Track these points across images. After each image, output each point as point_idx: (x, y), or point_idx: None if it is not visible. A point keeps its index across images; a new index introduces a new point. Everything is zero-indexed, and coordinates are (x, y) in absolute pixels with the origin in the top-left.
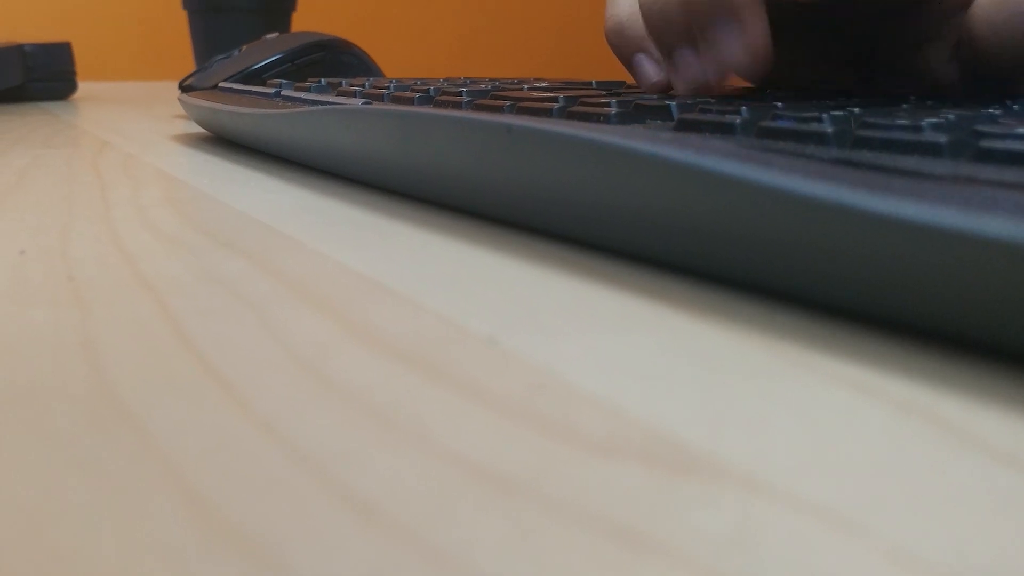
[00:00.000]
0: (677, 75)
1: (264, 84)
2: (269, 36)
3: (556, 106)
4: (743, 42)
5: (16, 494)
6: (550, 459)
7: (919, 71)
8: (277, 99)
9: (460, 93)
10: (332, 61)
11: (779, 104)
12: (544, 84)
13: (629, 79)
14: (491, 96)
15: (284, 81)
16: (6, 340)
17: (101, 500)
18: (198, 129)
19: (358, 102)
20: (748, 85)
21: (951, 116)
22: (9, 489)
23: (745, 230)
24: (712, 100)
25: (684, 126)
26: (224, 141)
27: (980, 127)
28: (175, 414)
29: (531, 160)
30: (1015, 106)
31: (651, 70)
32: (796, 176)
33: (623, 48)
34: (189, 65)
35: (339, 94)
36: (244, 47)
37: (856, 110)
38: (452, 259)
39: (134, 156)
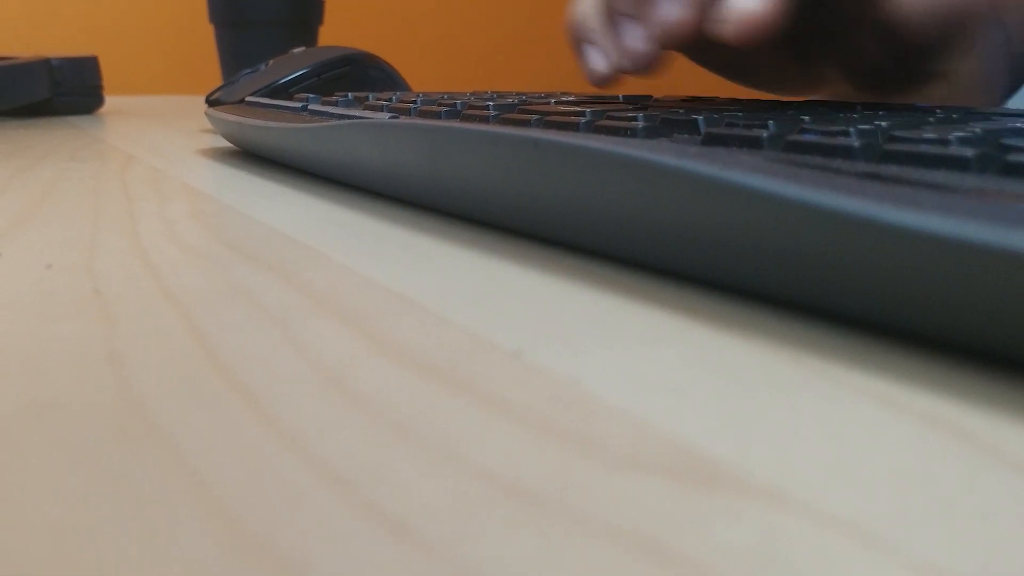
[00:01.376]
0: (622, 46)
1: (291, 98)
2: (296, 50)
3: (583, 120)
4: (678, 11)
5: (43, 507)
6: (576, 472)
7: (852, 58)
8: (304, 113)
9: (487, 107)
10: (359, 75)
11: (806, 118)
12: (571, 98)
13: (656, 94)
14: (518, 110)
15: (311, 95)
16: (33, 354)
17: (127, 514)
18: (224, 143)
19: (385, 116)
20: (772, 98)
21: (978, 130)
22: (36, 503)
23: (772, 244)
24: (740, 114)
25: (711, 140)
26: (251, 155)
27: (1007, 141)
28: (201, 428)
29: (558, 174)
30: None
31: (596, 58)
32: (823, 190)
33: (576, 40)
34: (216, 79)
35: (366, 108)
36: (271, 61)
37: (883, 124)
38: (478, 273)
39: (161, 170)
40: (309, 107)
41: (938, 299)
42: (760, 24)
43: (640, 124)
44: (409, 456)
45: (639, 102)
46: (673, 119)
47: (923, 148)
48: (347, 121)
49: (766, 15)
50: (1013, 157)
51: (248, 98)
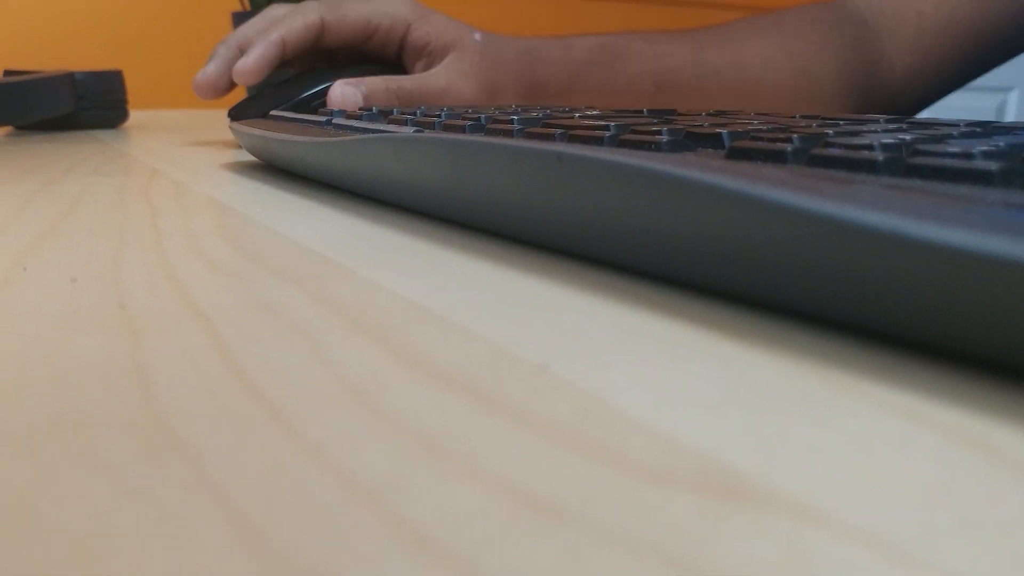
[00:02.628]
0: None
1: (315, 112)
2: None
3: (607, 134)
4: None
5: (67, 522)
6: (601, 486)
7: None
8: (328, 127)
9: (511, 121)
10: None
11: (830, 132)
12: (595, 112)
13: (677, 105)
14: (542, 124)
15: (336, 110)
16: (58, 368)
17: (152, 527)
18: (249, 157)
19: (409, 130)
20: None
21: (1002, 144)
22: (61, 517)
23: (796, 258)
24: (764, 128)
25: (735, 154)
26: (275, 169)
27: None
28: (226, 442)
29: (582, 188)
30: None
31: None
32: (848, 204)
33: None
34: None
35: (390, 122)
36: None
37: (907, 138)
38: (503, 286)
39: (185, 184)
40: (334, 121)
41: (963, 313)
42: (252, 74)
43: (664, 138)
44: (434, 469)
45: (664, 116)
46: (697, 133)
47: (947, 162)
48: (372, 135)
49: (254, 71)
50: None
51: (273, 112)
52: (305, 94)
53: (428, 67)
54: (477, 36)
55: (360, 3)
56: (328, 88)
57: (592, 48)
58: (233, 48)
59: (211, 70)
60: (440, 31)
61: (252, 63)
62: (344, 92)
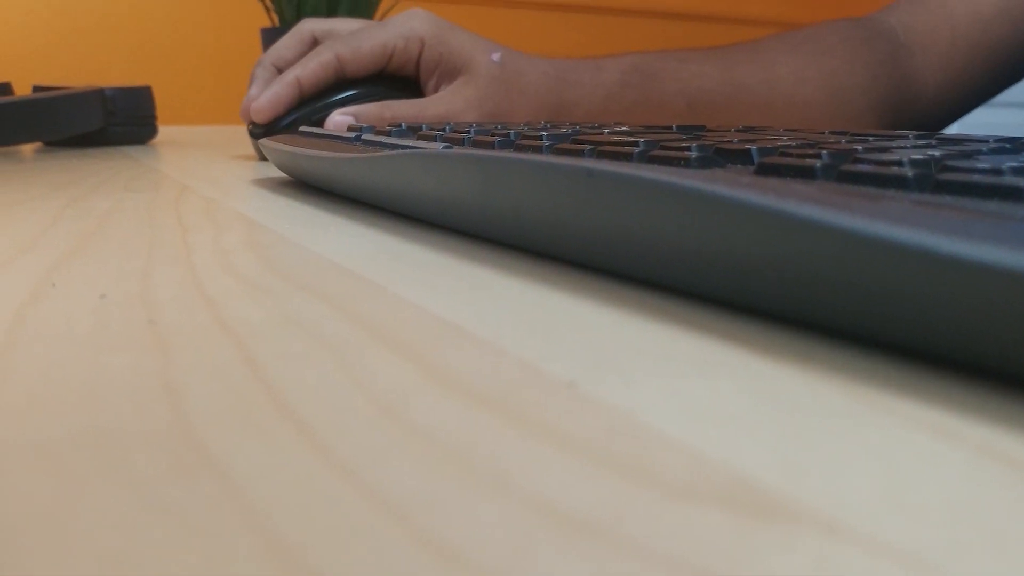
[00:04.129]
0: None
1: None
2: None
3: (636, 150)
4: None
5: (98, 538)
6: (629, 502)
7: None
8: (357, 143)
9: (540, 137)
10: (392, 95)
11: (859, 148)
12: (624, 128)
13: (709, 123)
14: (571, 140)
15: (365, 125)
16: (87, 384)
17: (181, 544)
18: (278, 173)
19: (438, 146)
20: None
21: None
22: (91, 533)
23: (825, 274)
24: (793, 144)
25: (764, 170)
26: (305, 185)
27: None
28: (256, 458)
29: (611, 204)
30: None
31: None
32: (877, 220)
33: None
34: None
35: (419, 138)
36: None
37: (936, 154)
38: (532, 303)
39: (215, 200)
40: (363, 137)
41: (993, 329)
42: (264, 112)
43: (694, 154)
44: (463, 486)
45: (693, 132)
46: (727, 149)
47: (977, 178)
48: (401, 151)
49: (267, 108)
50: None
51: (302, 128)
52: (309, 108)
53: (437, 87)
54: (496, 56)
55: (376, 29)
56: (332, 103)
57: (624, 69)
58: (269, 68)
59: (255, 95)
60: (454, 51)
61: (265, 102)
62: (337, 124)
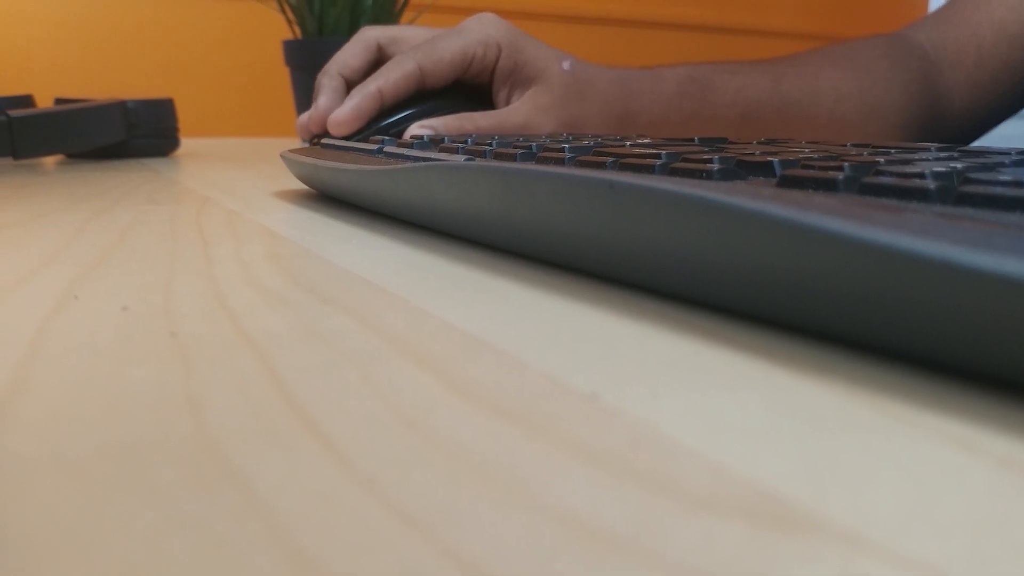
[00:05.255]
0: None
1: (367, 140)
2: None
3: (659, 162)
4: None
5: (120, 551)
6: (652, 515)
7: None
8: (379, 155)
9: (562, 149)
10: (458, 109)
11: (881, 160)
12: (646, 140)
13: (729, 136)
14: (594, 152)
15: (386, 137)
16: (109, 396)
17: (204, 557)
18: (300, 185)
19: (460, 158)
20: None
21: None
22: (113, 546)
23: (848, 286)
24: (815, 157)
25: (786, 182)
26: (327, 198)
27: None
28: (279, 471)
29: (634, 216)
30: None
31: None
32: (899, 233)
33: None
34: (290, 122)
35: (441, 150)
36: None
37: (958, 166)
38: (554, 315)
39: (237, 213)
40: (385, 149)
41: (1017, 341)
42: (346, 125)
43: (716, 166)
44: (486, 498)
45: (715, 144)
46: (749, 161)
47: (999, 190)
48: (423, 163)
49: (349, 121)
50: None
51: (324, 141)
52: (387, 121)
53: (510, 96)
54: (566, 65)
55: (453, 36)
56: (411, 115)
57: (681, 80)
58: (336, 77)
59: (325, 105)
60: (528, 60)
61: (348, 113)
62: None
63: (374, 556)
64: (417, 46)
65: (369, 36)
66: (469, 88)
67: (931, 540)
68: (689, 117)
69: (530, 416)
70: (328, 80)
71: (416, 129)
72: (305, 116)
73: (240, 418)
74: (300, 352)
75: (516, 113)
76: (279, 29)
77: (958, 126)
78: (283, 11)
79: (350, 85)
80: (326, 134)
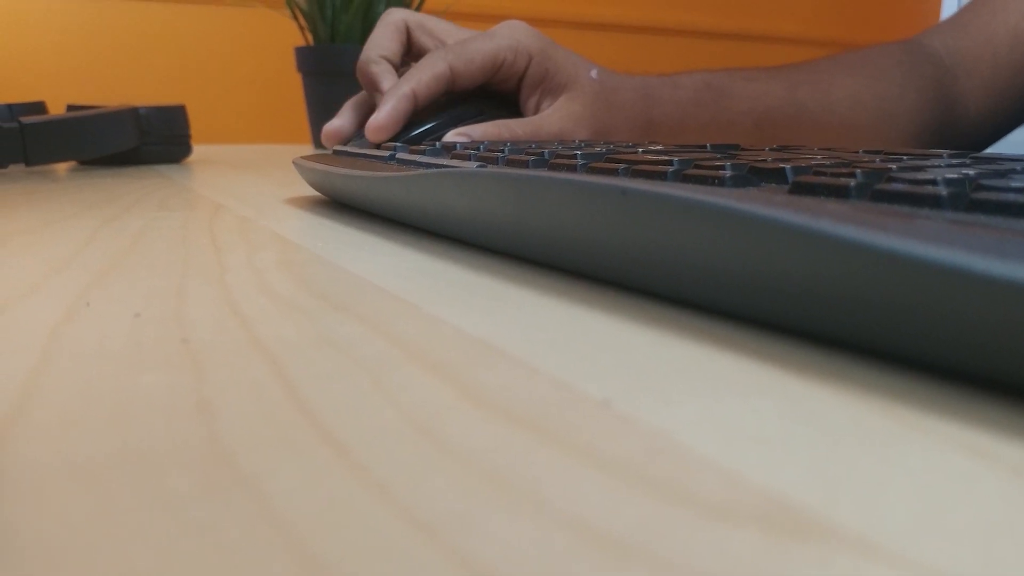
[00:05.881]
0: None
1: (379, 147)
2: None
3: (671, 169)
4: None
5: (132, 558)
6: (665, 522)
7: None
8: (392, 162)
9: (574, 156)
10: (497, 113)
11: (893, 167)
12: (658, 147)
13: (744, 143)
14: (606, 159)
15: (398, 144)
16: (121, 403)
17: (216, 564)
18: (312, 192)
19: (472, 165)
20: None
21: None
22: (125, 552)
23: (861, 293)
24: (827, 163)
25: (799, 189)
26: (339, 204)
27: None
28: (291, 478)
29: (646, 223)
30: None
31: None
32: (911, 239)
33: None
34: (303, 128)
35: (454, 157)
36: None
37: (970, 173)
38: (567, 322)
39: (249, 219)
40: (397, 156)
41: None
42: (386, 130)
43: (728, 173)
44: (498, 505)
45: (727, 151)
46: (761, 168)
47: (1011, 197)
48: (435, 170)
49: (388, 126)
50: None
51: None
52: (416, 132)
53: (540, 103)
54: (594, 73)
55: (483, 39)
56: (437, 125)
57: (698, 87)
58: (383, 63)
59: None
60: (559, 68)
61: (385, 119)
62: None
63: (386, 562)
64: (447, 47)
65: (397, 18)
66: (493, 94)
67: (944, 547)
68: (706, 124)
69: (542, 423)
70: (377, 66)
71: (452, 137)
72: (336, 122)
73: (252, 425)
74: (312, 359)
75: (551, 120)
76: (291, 36)
77: (973, 133)
78: (295, 18)
79: (393, 67)
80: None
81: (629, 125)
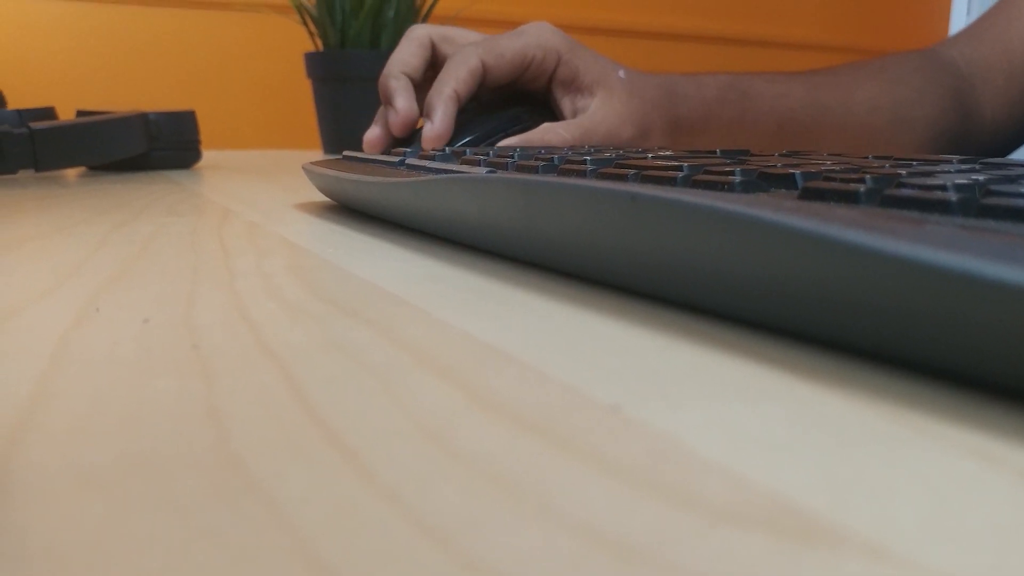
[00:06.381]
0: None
1: (389, 152)
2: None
3: (680, 174)
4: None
5: (142, 563)
6: (674, 527)
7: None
8: (401, 168)
9: (584, 162)
10: (529, 126)
11: (903, 173)
12: (668, 152)
13: (759, 147)
14: (615, 164)
15: (408, 150)
16: (131, 409)
17: (226, 569)
18: (321, 198)
19: (482, 171)
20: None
21: None
22: (135, 558)
23: (870, 298)
24: (837, 168)
25: (809, 194)
26: (348, 210)
27: None
28: (300, 483)
29: (655, 228)
30: None
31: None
32: (921, 245)
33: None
34: (312, 134)
35: (463, 163)
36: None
37: (980, 178)
38: (576, 327)
39: (258, 225)
40: (407, 161)
41: None
42: (443, 138)
43: (737, 178)
44: (508, 511)
45: (737, 156)
46: (771, 173)
47: (1021, 203)
48: (444, 176)
49: (446, 132)
50: None
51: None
52: (457, 144)
53: (574, 103)
54: (621, 73)
55: (512, 37)
56: (476, 138)
57: (721, 86)
58: (402, 78)
59: (405, 107)
60: (587, 66)
61: (441, 126)
62: None
63: (395, 567)
64: (476, 43)
65: (422, 34)
66: (526, 99)
67: (953, 552)
68: (729, 123)
69: (552, 428)
70: (396, 81)
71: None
72: (376, 128)
73: (262, 430)
74: (322, 364)
75: (598, 121)
76: (301, 41)
77: (990, 141)
78: (305, 23)
79: (413, 84)
80: (408, 139)
81: (661, 123)
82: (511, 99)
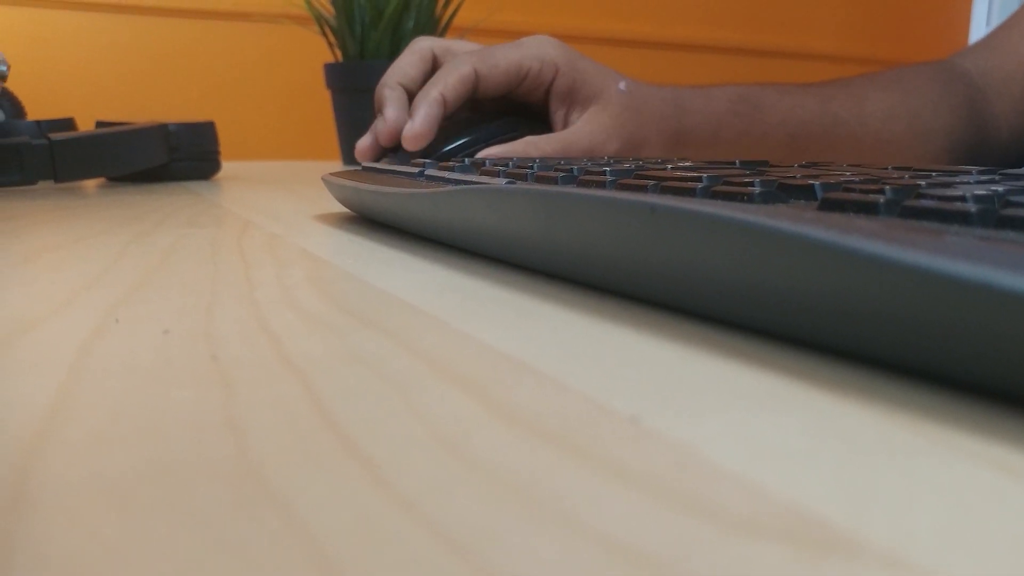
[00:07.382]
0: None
1: (409, 163)
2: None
3: (700, 185)
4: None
5: (160, 573)
6: (692, 538)
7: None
8: (421, 179)
9: (603, 172)
10: (527, 128)
11: (922, 184)
12: (687, 163)
13: (771, 159)
14: (634, 175)
15: (428, 161)
16: (150, 419)
17: None
18: (341, 209)
19: (501, 182)
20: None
21: None
22: (153, 568)
23: (889, 309)
24: (856, 180)
25: (828, 205)
26: (368, 221)
27: None
28: (319, 493)
29: (674, 239)
30: None
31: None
32: (940, 256)
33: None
34: (332, 145)
35: (483, 173)
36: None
37: (999, 189)
38: (595, 338)
39: (278, 236)
40: (426, 172)
41: None
42: (422, 137)
43: (757, 189)
44: (526, 521)
45: (756, 167)
46: (790, 184)
47: None
48: (464, 187)
49: (425, 132)
50: None
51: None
52: (448, 148)
53: (569, 115)
54: (622, 85)
55: (510, 48)
56: (469, 141)
57: (732, 98)
58: (397, 87)
59: (393, 116)
60: (586, 79)
61: (420, 126)
62: None
63: None
64: (472, 52)
65: (424, 46)
66: (524, 110)
67: (972, 563)
68: (739, 135)
69: (571, 439)
70: (390, 91)
71: (482, 156)
72: (368, 137)
73: (280, 441)
74: (341, 375)
75: (581, 135)
76: (320, 52)
77: (1005, 152)
78: (324, 34)
79: (410, 95)
80: (398, 147)
81: (660, 135)
82: (510, 109)
